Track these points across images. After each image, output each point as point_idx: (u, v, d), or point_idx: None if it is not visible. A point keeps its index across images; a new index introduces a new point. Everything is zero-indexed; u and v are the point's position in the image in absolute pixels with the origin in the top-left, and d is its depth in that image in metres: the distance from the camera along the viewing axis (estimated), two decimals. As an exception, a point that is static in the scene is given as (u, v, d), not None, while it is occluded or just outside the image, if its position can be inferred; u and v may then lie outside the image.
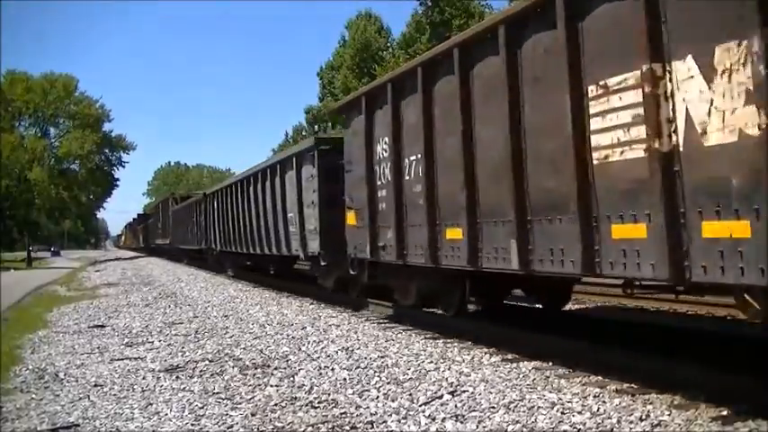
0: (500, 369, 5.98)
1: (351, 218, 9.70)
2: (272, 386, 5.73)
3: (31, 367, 7.05)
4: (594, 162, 5.00)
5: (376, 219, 8.82)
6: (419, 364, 6.27)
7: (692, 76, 4.19)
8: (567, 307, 9.41)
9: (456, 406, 4.81)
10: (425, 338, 7.76)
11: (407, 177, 7.96)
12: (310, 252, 11.91)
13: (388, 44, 40.95)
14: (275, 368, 6.49)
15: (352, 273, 9.99)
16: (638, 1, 4.48)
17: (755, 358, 5.06)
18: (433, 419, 4.53)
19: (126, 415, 5.04)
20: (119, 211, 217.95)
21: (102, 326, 10.30)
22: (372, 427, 4.47)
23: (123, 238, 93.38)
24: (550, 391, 5.08)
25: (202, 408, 5.12)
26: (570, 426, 4.25)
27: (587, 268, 5.10)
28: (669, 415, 4.36)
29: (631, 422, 4.26)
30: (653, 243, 4.49)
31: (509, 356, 6.45)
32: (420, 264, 7.78)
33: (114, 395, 5.69)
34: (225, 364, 6.83)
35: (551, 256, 5.52)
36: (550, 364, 6.03)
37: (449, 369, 6.02)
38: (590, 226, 5.05)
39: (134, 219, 70.08)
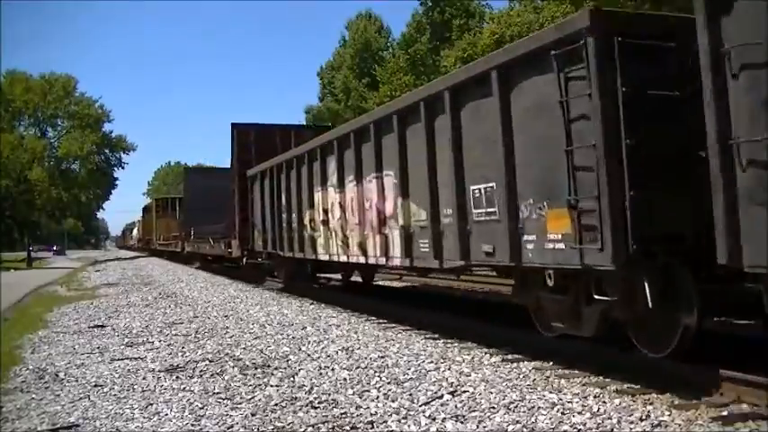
0: (500, 369, 5.97)
1: None
2: (272, 386, 5.73)
3: (31, 367, 7.05)
4: None
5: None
6: (419, 364, 6.27)
7: None
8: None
9: (456, 406, 4.81)
10: (425, 338, 7.76)
11: None
12: None
13: (389, 44, 40.87)
14: (275, 368, 6.49)
15: None
16: None
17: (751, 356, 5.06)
18: (434, 419, 4.53)
19: (126, 415, 5.04)
20: (119, 210, 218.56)
21: (103, 326, 10.30)
22: (372, 428, 4.47)
23: (137, 229, 59.41)
24: (551, 392, 5.08)
25: (202, 408, 5.12)
26: (570, 426, 4.26)
27: None
28: (669, 415, 4.36)
29: (631, 422, 4.26)
30: None
31: (509, 356, 6.45)
32: None
33: (114, 395, 5.69)
34: (225, 364, 6.83)
35: None
36: (550, 364, 6.03)
37: (449, 369, 6.02)
38: None
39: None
